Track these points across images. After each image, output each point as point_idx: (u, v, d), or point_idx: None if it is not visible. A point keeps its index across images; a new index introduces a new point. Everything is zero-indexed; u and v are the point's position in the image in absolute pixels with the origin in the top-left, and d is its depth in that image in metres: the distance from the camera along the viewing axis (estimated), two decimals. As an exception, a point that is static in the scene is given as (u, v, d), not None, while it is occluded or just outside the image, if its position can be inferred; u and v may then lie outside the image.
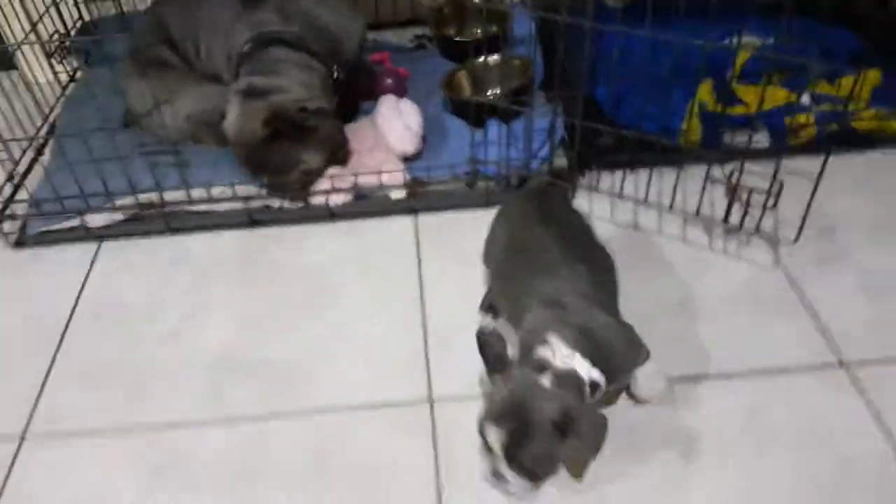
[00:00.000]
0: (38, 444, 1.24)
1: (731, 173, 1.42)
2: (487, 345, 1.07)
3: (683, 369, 1.27)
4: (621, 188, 1.55)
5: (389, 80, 1.88)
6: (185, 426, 1.25)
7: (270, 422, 1.24)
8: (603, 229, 1.54)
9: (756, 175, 1.41)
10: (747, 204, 1.39)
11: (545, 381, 0.97)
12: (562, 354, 0.98)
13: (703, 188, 1.46)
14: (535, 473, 0.96)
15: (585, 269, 1.13)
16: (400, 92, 1.89)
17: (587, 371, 0.98)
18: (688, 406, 1.21)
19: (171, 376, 1.33)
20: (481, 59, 1.84)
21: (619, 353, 1.07)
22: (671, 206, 1.50)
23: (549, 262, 1.14)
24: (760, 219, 1.44)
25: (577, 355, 0.98)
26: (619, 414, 1.20)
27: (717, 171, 1.64)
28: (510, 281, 1.20)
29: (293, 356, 1.35)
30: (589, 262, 1.15)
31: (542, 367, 0.98)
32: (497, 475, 0.98)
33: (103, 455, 1.22)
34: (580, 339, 1.00)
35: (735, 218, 1.47)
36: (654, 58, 1.61)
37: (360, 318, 1.41)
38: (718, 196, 1.54)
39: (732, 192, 1.41)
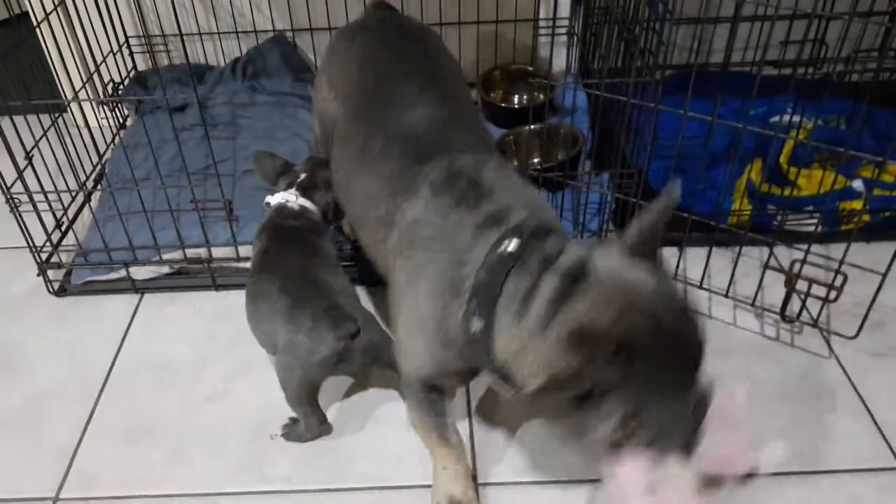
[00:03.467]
0: (72, 506, 1.22)
1: (792, 265, 1.39)
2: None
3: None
4: (675, 269, 1.53)
5: (436, 143, 1.89)
6: (222, 497, 1.22)
7: (309, 497, 1.21)
8: (651, 308, 1.52)
9: (810, 263, 1.39)
10: (806, 296, 1.36)
11: None
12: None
13: (762, 278, 1.44)
14: None
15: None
16: (446, 155, 1.90)
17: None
18: (742, 504, 1.17)
19: (212, 440, 1.31)
20: (527, 127, 1.84)
21: None
22: (727, 293, 1.47)
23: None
24: (820, 312, 1.41)
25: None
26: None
27: (763, 253, 1.63)
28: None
29: (335, 425, 1.32)
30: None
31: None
32: None
33: (139, 521, 1.19)
34: None
35: (791, 307, 1.44)
36: (704, 135, 1.61)
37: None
38: (770, 280, 1.52)
39: (792, 284, 1.38)
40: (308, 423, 1.26)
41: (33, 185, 1.51)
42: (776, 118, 1.85)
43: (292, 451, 1.28)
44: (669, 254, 1.61)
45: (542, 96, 1.97)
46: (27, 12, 1.85)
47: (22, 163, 1.48)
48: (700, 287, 1.52)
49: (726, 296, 1.48)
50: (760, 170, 1.73)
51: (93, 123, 2.04)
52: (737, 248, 1.51)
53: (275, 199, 1.38)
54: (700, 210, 1.48)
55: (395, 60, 1.28)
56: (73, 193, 1.65)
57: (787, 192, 1.65)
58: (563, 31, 2.08)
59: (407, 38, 1.36)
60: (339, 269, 1.30)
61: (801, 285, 1.37)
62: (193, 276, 1.59)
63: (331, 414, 1.34)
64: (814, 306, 1.43)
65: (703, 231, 1.48)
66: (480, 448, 1.27)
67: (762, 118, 1.86)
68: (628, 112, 1.44)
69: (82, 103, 1.81)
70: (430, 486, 1.21)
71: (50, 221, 1.62)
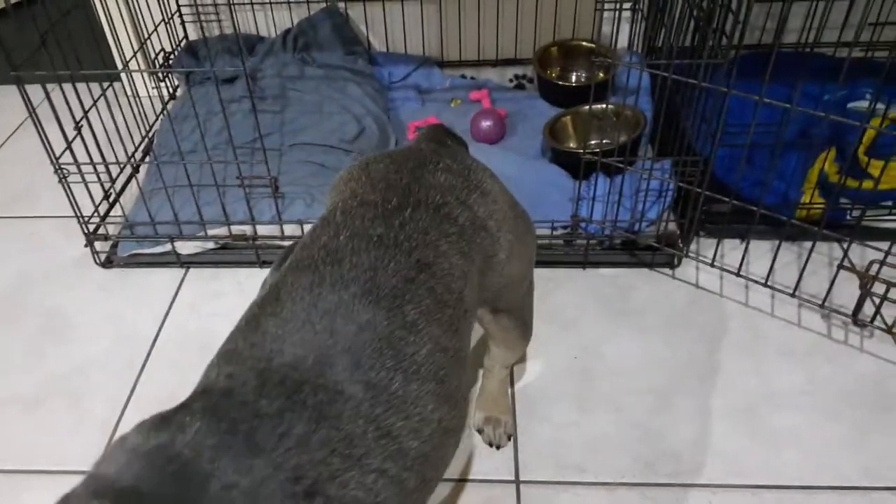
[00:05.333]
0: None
1: (869, 265, 1.29)
2: None
3: (796, 476, 1.16)
4: (740, 264, 1.44)
5: (487, 123, 1.83)
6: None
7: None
8: (709, 303, 1.44)
9: (889, 265, 1.29)
10: (883, 299, 1.27)
11: None
12: None
13: (834, 277, 1.34)
14: None
15: None
16: (498, 135, 1.83)
17: None
18: (803, 520, 1.10)
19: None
20: (586, 106, 1.76)
21: None
22: (794, 292, 1.38)
23: None
24: (897, 318, 1.32)
25: None
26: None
27: (834, 250, 1.52)
28: None
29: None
30: None
31: None
32: None
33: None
34: None
35: (864, 311, 1.34)
36: (776, 122, 1.51)
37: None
38: (842, 279, 1.41)
39: (867, 285, 1.29)
40: None
41: (81, 155, 1.50)
42: (855, 104, 1.73)
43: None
44: (732, 246, 1.53)
45: (602, 75, 1.88)
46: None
47: (71, 133, 1.47)
48: (765, 285, 1.43)
49: (793, 294, 1.39)
50: (835, 160, 1.62)
51: (142, 93, 2.04)
52: (805, 244, 1.41)
53: None
54: (768, 202, 1.38)
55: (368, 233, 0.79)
56: (121, 165, 1.64)
57: (864, 185, 1.54)
58: (628, 5, 1.97)
59: (414, 200, 0.84)
60: None
61: (878, 288, 1.28)
62: (238, 252, 1.57)
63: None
64: (889, 311, 1.33)
65: (771, 224, 1.39)
66: (523, 444, 1.22)
67: (840, 103, 1.73)
68: (696, 96, 1.35)
69: (132, 74, 1.80)
70: (469, 480, 1.17)
71: (98, 192, 1.62)
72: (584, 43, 2.02)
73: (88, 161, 1.51)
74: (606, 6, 1.98)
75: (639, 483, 1.16)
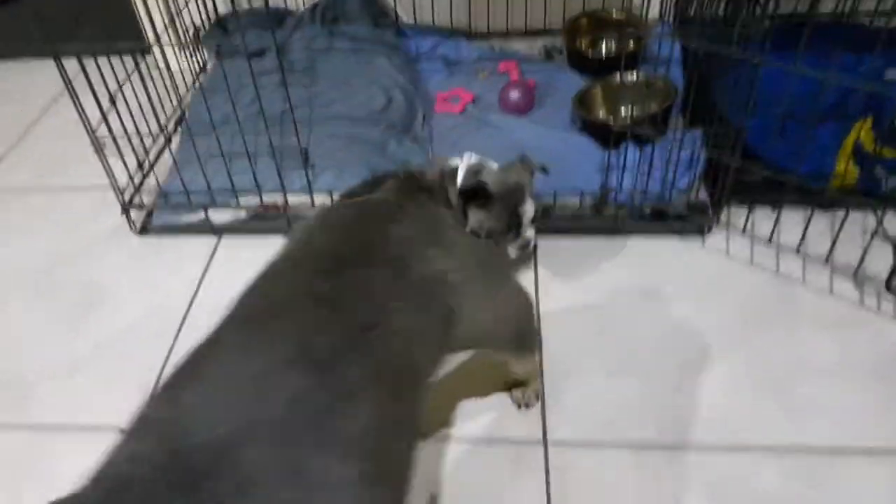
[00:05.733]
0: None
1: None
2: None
3: (825, 439, 1.15)
4: (772, 233, 1.43)
5: (516, 94, 1.82)
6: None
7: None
8: (740, 272, 1.43)
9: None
10: (918, 266, 1.25)
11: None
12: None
13: (868, 246, 1.33)
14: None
15: None
16: (527, 106, 1.83)
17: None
18: (825, 486, 1.10)
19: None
20: (617, 76, 1.75)
21: None
22: (828, 259, 1.37)
23: None
24: (930, 284, 1.30)
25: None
26: (758, 488, 1.10)
27: (868, 219, 1.50)
28: None
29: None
30: None
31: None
32: (524, 243, 1.22)
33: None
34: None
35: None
36: (811, 92, 1.48)
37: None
38: (875, 248, 1.40)
39: (902, 252, 1.27)
40: None
41: (116, 126, 1.53)
42: (893, 74, 1.69)
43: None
44: (763, 216, 1.51)
45: (632, 45, 1.86)
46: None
47: (106, 105, 1.49)
48: (797, 252, 1.41)
49: (826, 261, 1.38)
50: (871, 129, 1.59)
51: (174, 67, 2.06)
52: (838, 213, 1.40)
53: None
54: (801, 170, 1.37)
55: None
56: (155, 136, 1.66)
57: (900, 153, 1.51)
58: (658, -26, 1.95)
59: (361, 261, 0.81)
60: None
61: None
62: (270, 220, 1.60)
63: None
64: (924, 279, 1.31)
65: (803, 193, 1.37)
66: (550, 406, 1.23)
67: (876, 72, 1.69)
68: (730, 66, 1.33)
69: (164, 47, 1.82)
70: (498, 439, 1.18)
71: (132, 163, 1.65)
72: (614, 13, 2.00)
73: (123, 132, 1.54)
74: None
75: (664, 446, 1.16)
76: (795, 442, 1.15)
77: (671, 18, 1.92)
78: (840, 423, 1.17)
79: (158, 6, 1.99)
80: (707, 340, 1.32)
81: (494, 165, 1.20)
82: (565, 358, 1.31)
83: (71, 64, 1.41)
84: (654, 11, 2.00)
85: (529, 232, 1.24)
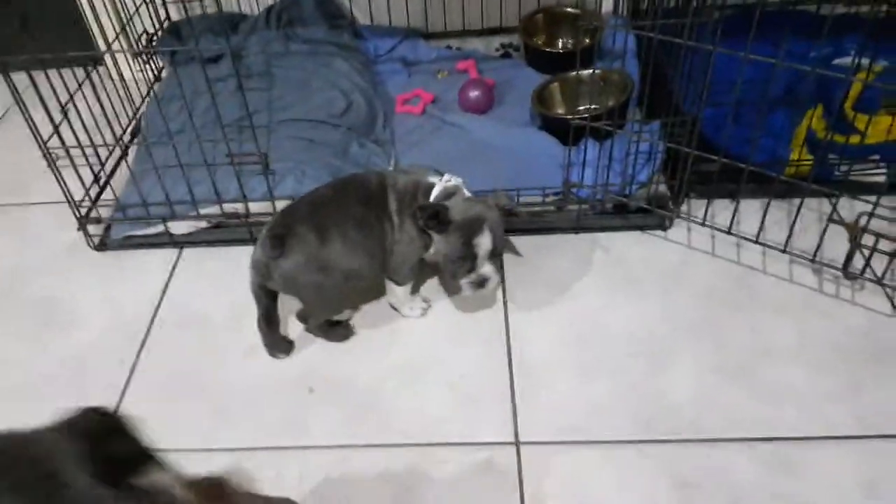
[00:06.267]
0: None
1: (858, 217, 1.30)
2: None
3: (791, 428, 1.18)
4: (731, 223, 1.45)
5: (476, 93, 1.82)
6: (265, 452, 1.22)
7: (349, 452, 1.20)
8: (702, 263, 1.46)
9: (877, 216, 1.30)
10: (872, 251, 1.28)
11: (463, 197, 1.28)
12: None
13: (824, 232, 1.35)
14: (499, 253, 1.30)
15: None
16: (487, 105, 1.83)
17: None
18: (795, 472, 1.12)
19: (251, 395, 1.30)
20: (573, 72, 1.76)
21: None
22: (785, 248, 1.40)
23: None
24: (886, 269, 1.33)
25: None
26: (730, 478, 1.12)
27: (823, 205, 1.54)
28: None
29: (376, 380, 1.30)
30: None
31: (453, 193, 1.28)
32: (478, 280, 1.26)
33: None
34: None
35: (854, 264, 1.36)
36: (762, 79, 1.51)
37: (440, 345, 1.36)
38: (832, 234, 1.43)
39: (856, 238, 1.30)
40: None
41: (69, 139, 1.50)
42: (840, 60, 1.73)
43: (333, 407, 1.27)
44: (722, 206, 1.53)
45: (588, 40, 1.87)
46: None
47: (58, 117, 1.46)
48: (756, 241, 1.44)
49: (783, 251, 1.41)
50: (822, 116, 1.63)
51: (127, 76, 2.02)
52: (795, 201, 1.42)
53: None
54: (756, 160, 1.39)
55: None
56: (110, 148, 1.63)
57: (851, 140, 1.55)
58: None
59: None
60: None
61: (867, 240, 1.29)
62: (232, 230, 1.58)
63: (372, 372, 1.32)
64: (879, 263, 1.35)
65: (760, 182, 1.40)
66: (522, 409, 1.23)
67: (825, 60, 1.73)
68: (682, 55, 1.35)
69: (116, 55, 1.79)
70: (469, 444, 1.19)
71: (88, 176, 1.61)
72: (569, 9, 2.02)
73: (77, 145, 1.50)
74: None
75: (635, 440, 1.17)
76: (765, 430, 1.17)
77: (624, 12, 1.93)
78: (806, 407, 1.20)
79: (108, 14, 1.95)
80: (673, 332, 1.34)
81: (467, 193, 1.29)
82: (535, 359, 1.31)
83: (20, 76, 1.38)
84: (607, 5, 2.02)
85: (486, 268, 1.25)
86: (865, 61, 1.57)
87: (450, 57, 2.05)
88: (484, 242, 1.23)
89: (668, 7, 1.56)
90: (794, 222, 1.39)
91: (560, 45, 2.02)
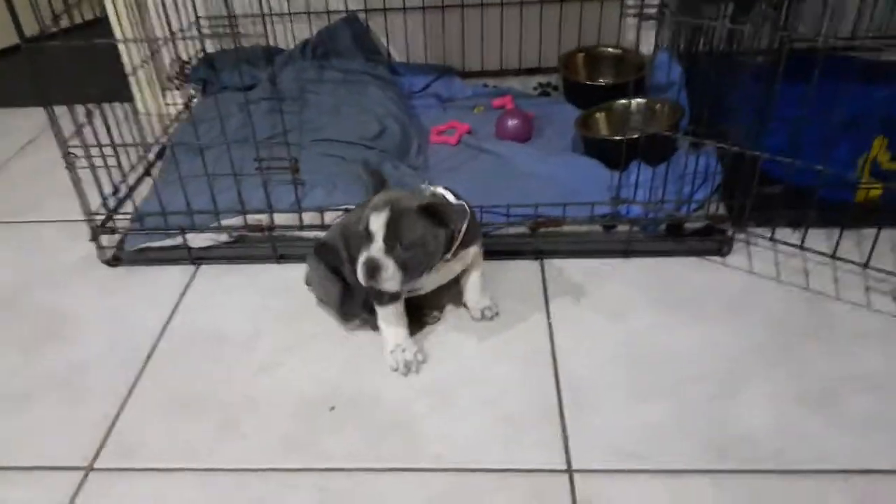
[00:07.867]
0: (105, 478, 1.07)
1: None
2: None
3: (880, 460, 1.01)
4: (801, 244, 1.33)
5: (514, 121, 1.75)
6: (274, 472, 1.06)
7: (373, 476, 1.04)
8: (768, 289, 1.32)
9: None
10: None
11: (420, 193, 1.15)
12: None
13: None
14: (407, 258, 1.07)
15: None
16: (525, 134, 1.75)
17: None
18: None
19: (264, 412, 1.16)
20: (618, 103, 1.69)
21: None
22: (867, 265, 1.27)
23: None
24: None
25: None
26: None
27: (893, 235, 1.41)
28: None
29: (403, 401, 1.16)
30: None
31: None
32: (372, 265, 1.06)
33: (178, 498, 1.04)
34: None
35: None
36: (825, 112, 1.43)
37: (474, 362, 1.22)
38: (910, 260, 1.30)
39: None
40: None
41: (91, 142, 1.43)
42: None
43: (354, 427, 1.12)
44: (783, 235, 1.41)
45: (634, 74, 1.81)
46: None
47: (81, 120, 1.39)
48: (833, 256, 1.31)
49: (865, 266, 1.28)
50: (886, 147, 1.53)
51: (153, 111, 1.99)
52: (864, 231, 1.31)
53: None
54: (824, 193, 1.29)
55: None
56: (138, 153, 1.55)
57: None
58: (654, 9, 1.93)
59: None
60: None
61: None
62: (253, 246, 1.47)
63: (401, 392, 1.17)
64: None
65: (825, 210, 1.29)
66: (574, 433, 1.08)
67: (887, 100, 1.66)
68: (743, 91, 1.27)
69: (143, 90, 1.75)
70: (511, 470, 1.03)
71: (106, 187, 1.53)
72: (609, 49, 1.97)
73: (95, 143, 1.43)
74: (631, 11, 1.94)
75: (708, 469, 1.01)
76: (859, 461, 1.01)
77: (667, 47, 1.88)
78: (900, 441, 1.04)
79: (138, 45, 1.93)
80: (740, 357, 1.19)
81: (452, 199, 1.18)
82: (586, 383, 1.16)
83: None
84: (647, 48, 1.97)
85: (377, 252, 1.06)
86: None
87: (486, 94, 1.99)
88: (376, 220, 1.06)
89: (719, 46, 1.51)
90: (871, 248, 1.27)
91: (601, 81, 1.96)
